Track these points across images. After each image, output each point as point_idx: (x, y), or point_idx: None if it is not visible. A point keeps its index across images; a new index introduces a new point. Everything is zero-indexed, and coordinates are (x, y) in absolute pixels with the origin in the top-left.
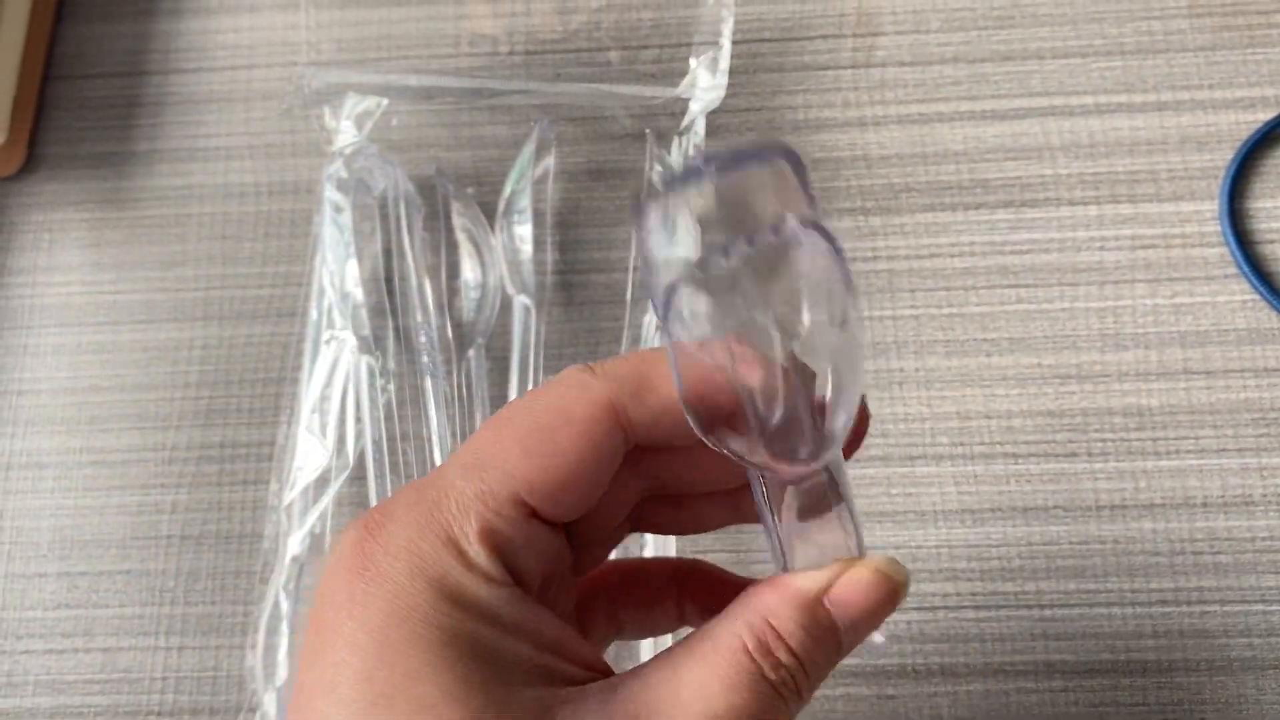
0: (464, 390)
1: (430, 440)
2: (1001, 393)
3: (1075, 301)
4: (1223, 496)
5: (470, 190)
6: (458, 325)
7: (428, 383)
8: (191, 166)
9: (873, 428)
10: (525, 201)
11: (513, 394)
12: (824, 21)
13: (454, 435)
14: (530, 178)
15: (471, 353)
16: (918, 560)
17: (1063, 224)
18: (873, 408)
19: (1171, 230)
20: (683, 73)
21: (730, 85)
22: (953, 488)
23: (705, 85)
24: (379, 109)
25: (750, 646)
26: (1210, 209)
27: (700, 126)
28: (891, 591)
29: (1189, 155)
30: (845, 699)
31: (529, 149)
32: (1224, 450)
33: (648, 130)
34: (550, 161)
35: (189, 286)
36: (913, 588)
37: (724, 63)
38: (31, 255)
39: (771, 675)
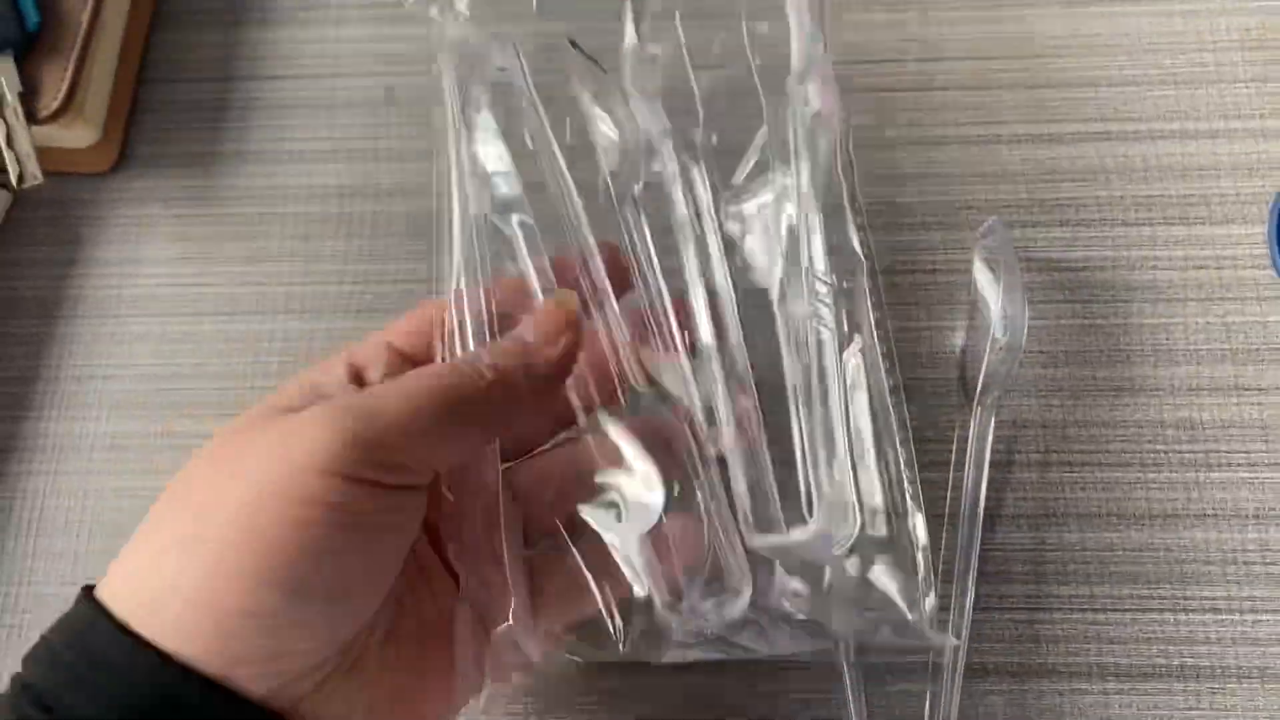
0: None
1: None
2: (1056, 403)
3: (1129, 318)
4: (1275, 509)
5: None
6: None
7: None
8: (276, 168)
9: (934, 435)
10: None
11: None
12: (888, 47)
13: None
14: (642, 25)
15: (628, 210)
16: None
17: (1117, 243)
18: (932, 416)
19: (1223, 252)
20: None
21: None
22: (1009, 493)
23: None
24: None
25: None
26: (1260, 233)
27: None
28: (553, 312)
29: (1240, 181)
30: (901, 694)
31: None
32: (1275, 464)
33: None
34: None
35: (271, 281)
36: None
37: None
38: (120, 248)
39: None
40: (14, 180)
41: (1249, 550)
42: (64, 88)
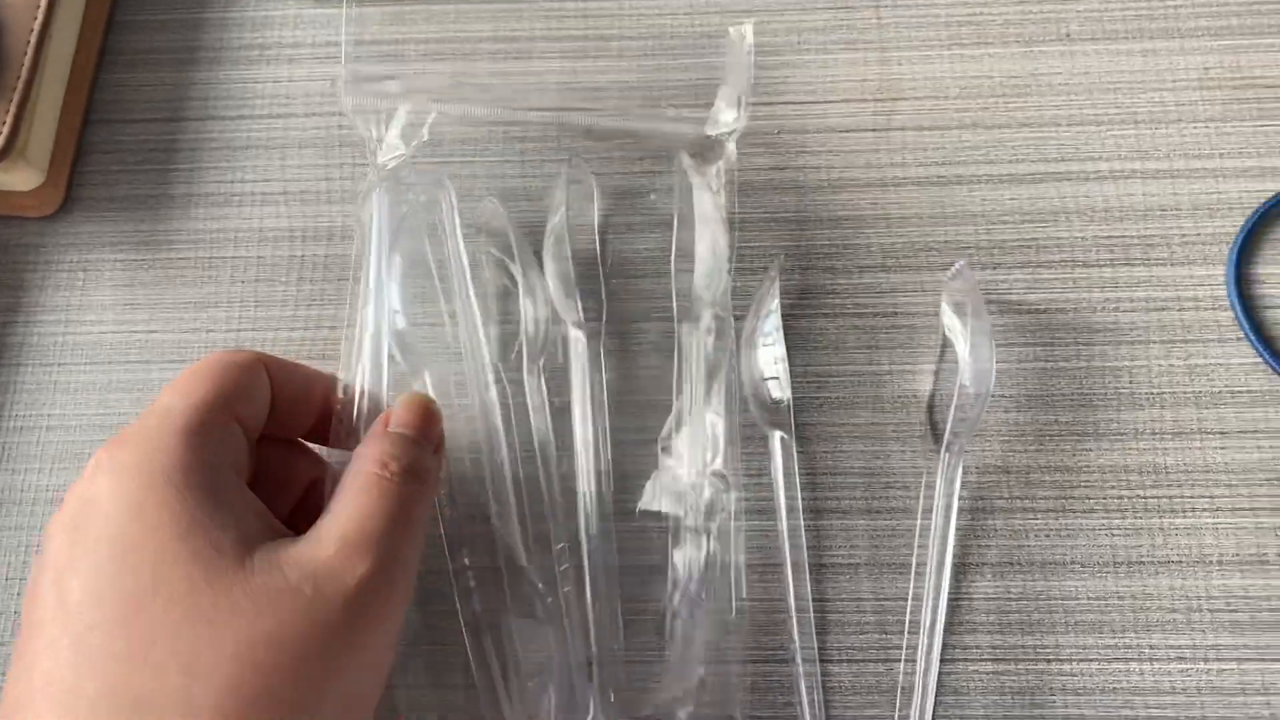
0: (526, 406)
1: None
2: (1019, 448)
3: (1092, 360)
4: (1238, 555)
5: (516, 208)
6: (511, 353)
7: (491, 393)
8: (227, 211)
9: (894, 480)
10: (566, 248)
11: (577, 423)
12: (847, 86)
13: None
14: (565, 220)
15: (530, 378)
16: (939, 611)
17: (1078, 285)
18: (892, 463)
19: (1184, 293)
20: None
21: (756, 146)
22: (972, 540)
23: (727, 120)
24: (426, 122)
25: (369, 465)
26: (1221, 274)
27: (732, 150)
28: (419, 404)
29: (1200, 221)
30: None
31: (560, 190)
32: (1238, 509)
33: (682, 151)
34: (589, 188)
35: (221, 327)
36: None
37: (745, 97)
38: (65, 294)
39: (388, 471)
40: None
41: (1214, 597)
42: (5, 130)
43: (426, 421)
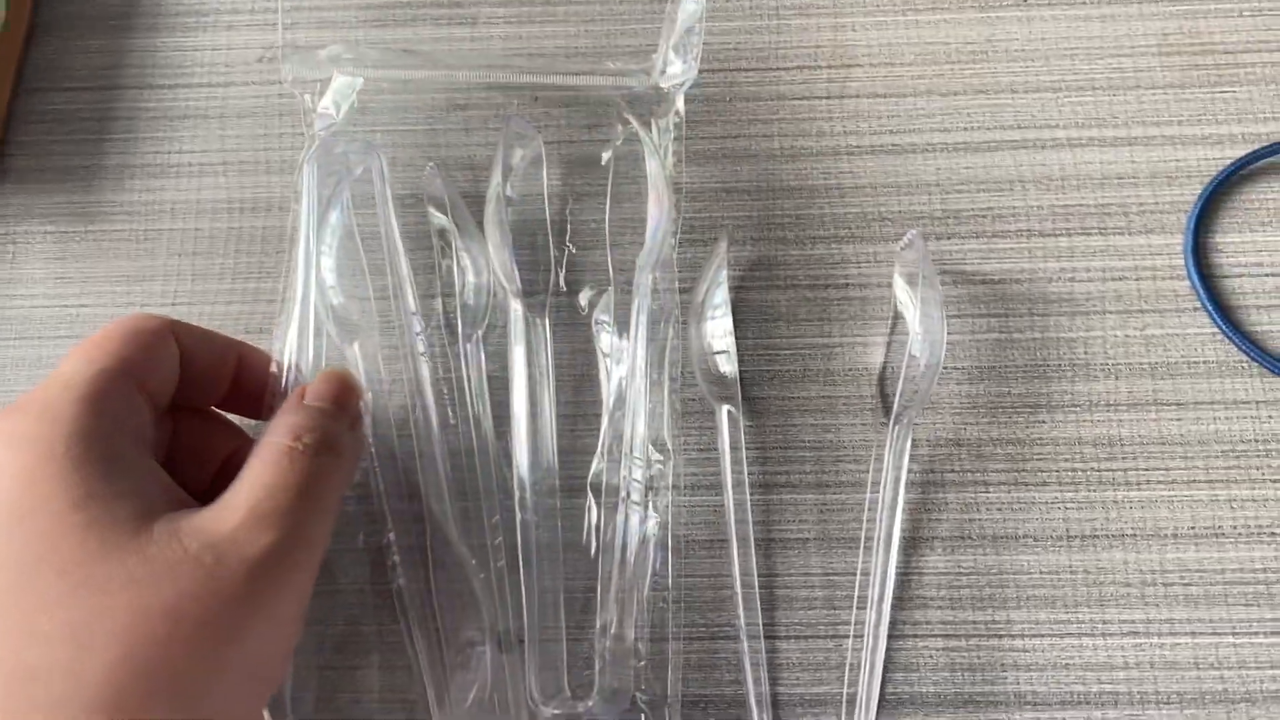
0: (464, 379)
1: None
2: (972, 420)
3: (1046, 331)
4: (1193, 528)
5: (461, 178)
6: (449, 325)
7: (423, 369)
8: (163, 182)
9: (844, 454)
10: (505, 211)
11: (515, 396)
12: (800, 53)
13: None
14: (508, 180)
15: (469, 346)
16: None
17: (1033, 254)
18: (842, 435)
19: (1141, 263)
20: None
21: (707, 112)
22: (923, 515)
23: (675, 72)
24: (354, 89)
25: (281, 437)
26: (1178, 243)
27: (680, 104)
28: (337, 377)
29: (1159, 190)
30: None
31: (500, 150)
32: (1194, 481)
33: (619, 97)
34: (535, 151)
35: (156, 302)
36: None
37: (696, 50)
38: None
39: (300, 444)
40: None
41: (1168, 571)
42: None
43: (344, 395)
